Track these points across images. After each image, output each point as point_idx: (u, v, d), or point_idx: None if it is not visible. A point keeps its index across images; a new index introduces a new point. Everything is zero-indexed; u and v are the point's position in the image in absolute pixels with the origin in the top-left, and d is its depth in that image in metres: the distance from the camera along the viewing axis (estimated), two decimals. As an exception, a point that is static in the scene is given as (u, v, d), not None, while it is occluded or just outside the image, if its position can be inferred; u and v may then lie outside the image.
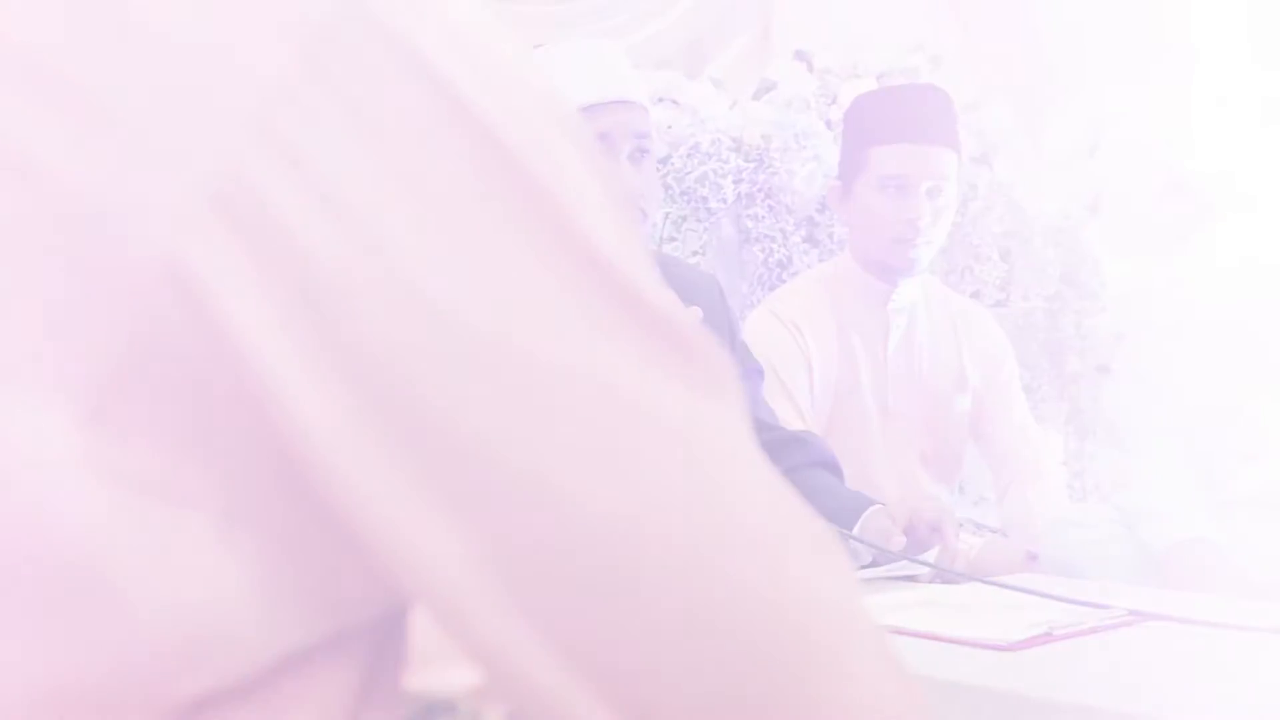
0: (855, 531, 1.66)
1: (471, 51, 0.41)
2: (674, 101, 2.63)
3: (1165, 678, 1.08)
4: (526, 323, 0.39)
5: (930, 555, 1.50)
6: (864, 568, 1.63)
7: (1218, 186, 3.53)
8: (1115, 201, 3.57)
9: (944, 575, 1.54)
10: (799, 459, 1.80)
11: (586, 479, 0.39)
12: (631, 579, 0.39)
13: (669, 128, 2.59)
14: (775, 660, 0.41)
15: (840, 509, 1.68)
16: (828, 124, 2.83)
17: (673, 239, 2.58)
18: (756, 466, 0.43)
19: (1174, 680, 1.08)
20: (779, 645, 0.41)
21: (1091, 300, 3.41)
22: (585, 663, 0.40)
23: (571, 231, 0.40)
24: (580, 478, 0.39)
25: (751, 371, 1.89)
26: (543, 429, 0.39)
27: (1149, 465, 1.83)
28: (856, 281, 2.29)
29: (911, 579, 1.53)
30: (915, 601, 1.35)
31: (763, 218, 2.70)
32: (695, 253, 2.63)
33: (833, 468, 1.85)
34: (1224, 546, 1.67)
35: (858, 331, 2.30)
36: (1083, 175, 3.64)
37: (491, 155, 0.40)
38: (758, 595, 0.41)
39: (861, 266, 2.28)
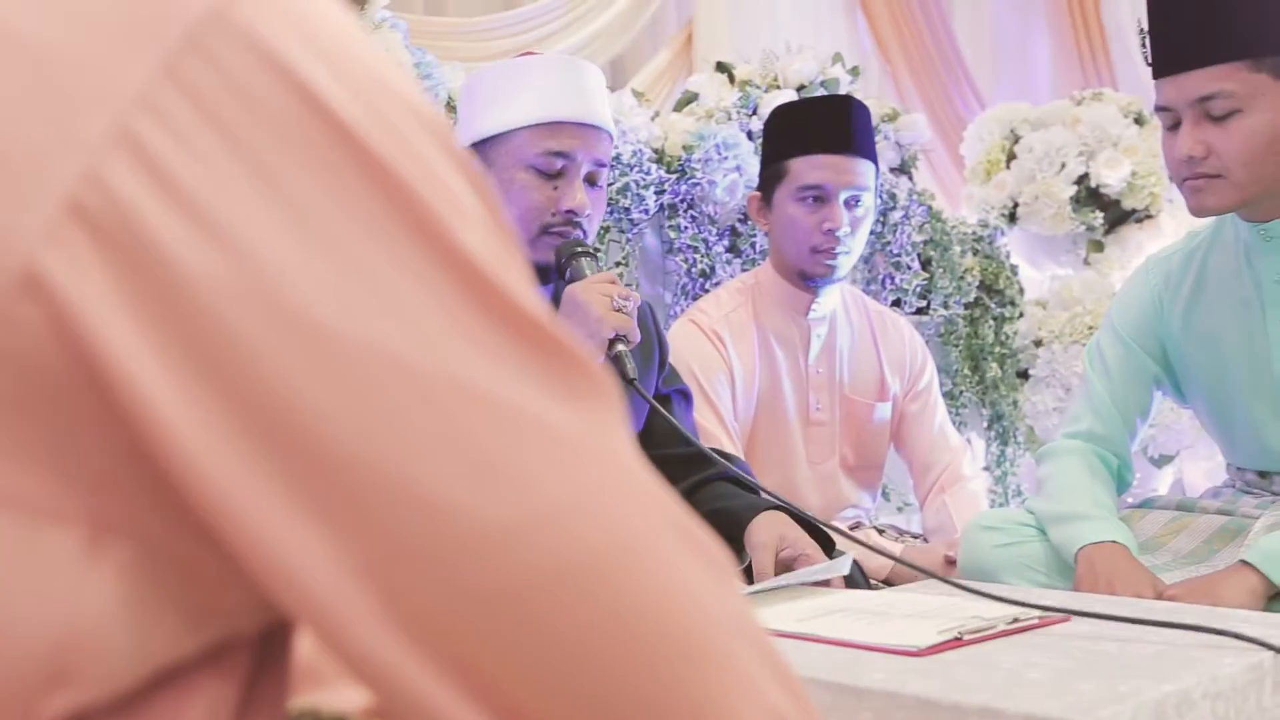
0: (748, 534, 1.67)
1: (341, 62, 0.41)
2: (595, 113, 2.63)
3: (1074, 680, 1.10)
4: (399, 332, 0.39)
5: (846, 562, 1.51)
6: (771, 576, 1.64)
7: (1130, 196, 3.61)
8: (1032, 211, 3.64)
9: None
10: (720, 470, 1.81)
11: (465, 488, 0.39)
12: (513, 588, 0.39)
13: (590, 139, 2.59)
14: (657, 666, 0.41)
15: (741, 508, 1.70)
16: (749, 135, 2.85)
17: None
18: (637, 473, 0.43)
19: (1082, 682, 1.10)
20: (661, 652, 0.41)
21: (1010, 307, 3.46)
22: (466, 673, 0.40)
23: (444, 241, 0.40)
24: (459, 487, 0.39)
25: (679, 394, 1.91)
26: (418, 439, 0.39)
27: (1063, 468, 1.86)
28: (777, 291, 2.31)
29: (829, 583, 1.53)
30: (829, 609, 1.36)
31: (685, 228, 2.71)
32: (619, 263, 2.64)
33: (746, 483, 1.86)
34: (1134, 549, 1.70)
35: (779, 340, 2.32)
36: (1000, 185, 3.70)
37: (361, 165, 0.40)
38: (640, 602, 0.41)
39: (782, 276, 2.30)
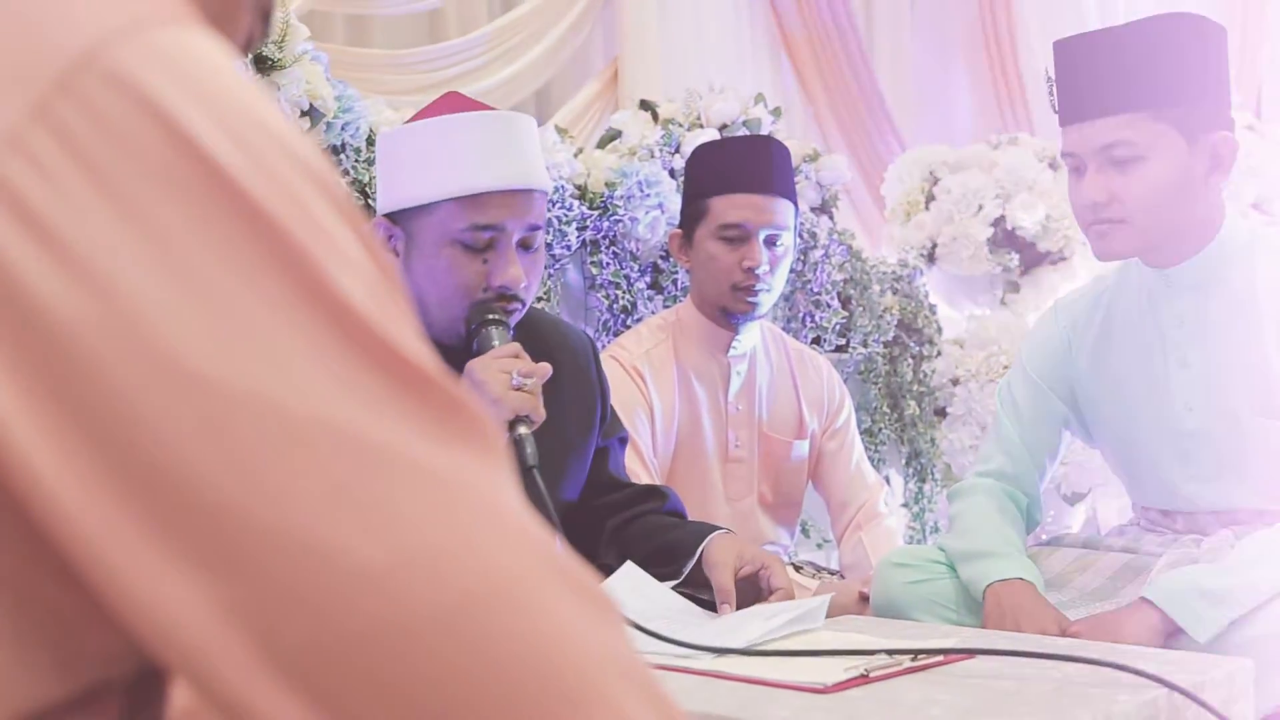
0: (697, 556, 1.66)
1: (220, 107, 0.41)
2: (517, 149, 2.63)
3: (974, 717, 1.12)
4: (270, 375, 0.39)
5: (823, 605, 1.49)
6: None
7: (1045, 238, 3.69)
8: (950, 251, 3.70)
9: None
10: (654, 506, 1.81)
11: (339, 531, 0.39)
12: (388, 629, 0.39)
13: (512, 174, 2.60)
14: (535, 707, 0.41)
15: (689, 535, 1.69)
16: (671, 173, 2.88)
17: (517, 285, 2.58)
18: (516, 517, 0.43)
19: (991, 717, 1.11)
20: (538, 693, 0.41)
21: (928, 346, 3.51)
22: (344, 715, 0.40)
23: (320, 285, 0.40)
24: (333, 530, 0.39)
25: (618, 442, 1.89)
26: (291, 482, 0.39)
27: (973, 506, 1.89)
28: (698, 328, 2.33)
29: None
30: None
31: (607, 264, 2.72)
32: (540, 299, 2.64)
33: (683, 518, 1.86)
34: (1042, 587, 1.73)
35: (699, 377, 2.33)
36: (920, 226, 3.77)
37: (236, 209, 0.40)
38: (516, 644, 0.41)
39: (703, 313, 2.32)
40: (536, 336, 1.67)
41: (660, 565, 1.66)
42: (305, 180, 0.42)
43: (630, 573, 1.60)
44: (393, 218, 1.64)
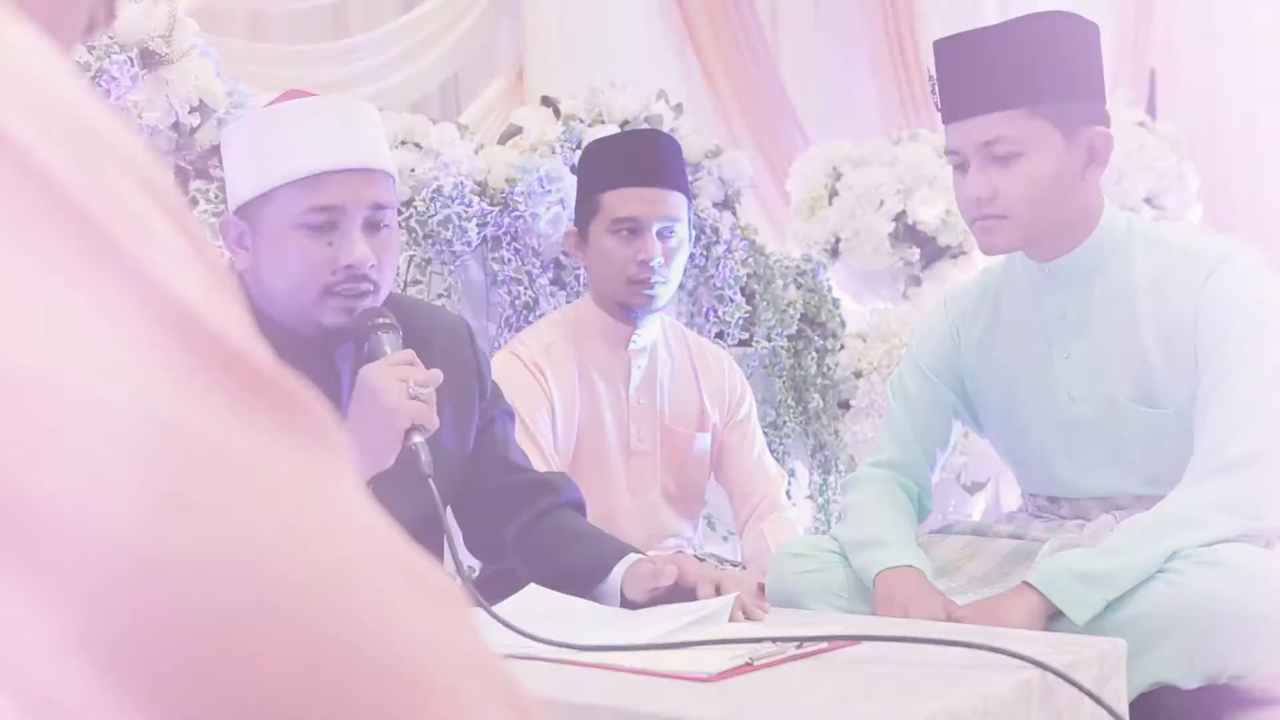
0: (614, 578, 1.64)
1: (24, 94, 0.40)
2: (416, 145, 2.63)
3: (853, 701, 1.14)
4: (84, 367, 0.39)
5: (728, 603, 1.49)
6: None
7: (945, 233, 3.76)
8: (853, 246, 3.76)
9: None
10: (549, 502, 1.80)
11: (154, 525, 0.39)
12: (204, 624, 0.39)
13: (411, 171, 2.59)
14: (375, 702, 0.41)
15: (598, 556, 1.67)
16: (572, 169, 2.88)
17: (417, 282, 2.57)
18: (351, 509, 0.43)
19: (860, 703, 1.14)
20: (379, 687, 0.41)
21: (832, 339, 3.56)
22: (169, 713, 0.40)
23: (137, 275, 0.40)
24: (147, 524, 0.39)
25: (503, 415, 1.88)
26: (103, 474, 0.38)
27: (865, 497, 1.92)
28: (597, 323, 2.34)
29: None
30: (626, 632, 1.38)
31: (509, 260, 2.72)
32: (441, 295, 2.63)
33: (581, 509, 1.85)
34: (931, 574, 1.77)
35: (599, 372, 2.34)
36: (823, 221, 3.81)
37: (42, 198, 0.39)
38: (349, 637, 0.41)
39: (601, 308, 2.33)
40: (409, 322, 1.65)
41: (569, 586, 1.64)
42: (122, 172, 0.41)
43: (534, 592, 1.60)
44: (241, 215, 1.62)
